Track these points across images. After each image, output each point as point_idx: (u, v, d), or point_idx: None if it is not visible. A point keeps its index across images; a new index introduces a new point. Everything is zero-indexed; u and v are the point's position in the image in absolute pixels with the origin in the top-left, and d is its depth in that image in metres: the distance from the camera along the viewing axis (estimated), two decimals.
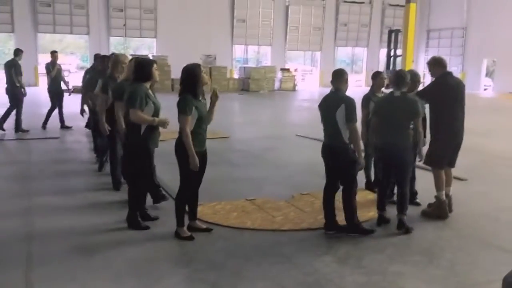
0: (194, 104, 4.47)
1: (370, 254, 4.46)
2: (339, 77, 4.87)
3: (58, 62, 11.29)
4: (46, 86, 11.43)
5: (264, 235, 4.91)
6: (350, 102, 4.69)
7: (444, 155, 5.47)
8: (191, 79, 4.52)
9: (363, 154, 4.99)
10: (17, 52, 10.95)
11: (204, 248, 4.53)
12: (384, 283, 3.90)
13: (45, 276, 3.91)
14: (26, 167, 7.75)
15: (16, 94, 10.68)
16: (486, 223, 5.37)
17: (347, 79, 4.93)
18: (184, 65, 4.63)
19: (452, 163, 5.65)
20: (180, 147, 4.53)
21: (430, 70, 5.66)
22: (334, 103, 4.77)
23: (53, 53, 11.34)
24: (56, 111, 11.45)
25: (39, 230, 4.90)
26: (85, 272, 3.98)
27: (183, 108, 4.44)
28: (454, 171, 7.14)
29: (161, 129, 4.98)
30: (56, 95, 11.32)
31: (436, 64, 5.59)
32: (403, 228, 4.99)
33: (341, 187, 4.97)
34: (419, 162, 5.60)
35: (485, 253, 4.54)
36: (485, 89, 30.95)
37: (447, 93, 5.43)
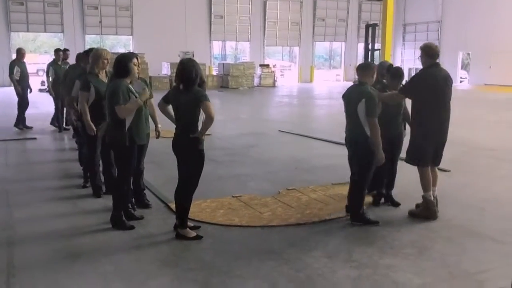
0: None
1: (360, 248, 4.43)
2: (364, 70, 4.97)
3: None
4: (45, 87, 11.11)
5: (253, 232, 4.84)
6: (370, 97, 4.77)
7: (424, 153, 5.14)
8: (200, 74, 4.48)
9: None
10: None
11: (192, 247, 4.43)
12: (376, 276, 3.87)
13: (27, 282, 3.76)
14: (3, 170, 7.51)
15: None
16: (472, 214, 5.39)
17: (373, 73, 4.99)
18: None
19: (436, 162, 5.30)
20: (190, 146, 4.46)
21: (421, 58, 5.22)
22: (356, 97, 4.85)
23: (65, 51, 10.87)
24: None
25: (20, 235, 4.72)
26: (69, 276, 3.84)
27: (206, 95, 4.40)
28: None
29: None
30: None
31: (425, 53, 5.15)
32: (394, 203, 5.58)
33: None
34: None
35: (474, 244, 4.55)
36: (461, 81, 31.47)
37: (430, 89, 5.05)
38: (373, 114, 4.76)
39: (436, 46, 5.30)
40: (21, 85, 10.85)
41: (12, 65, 10.91)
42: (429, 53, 5.16)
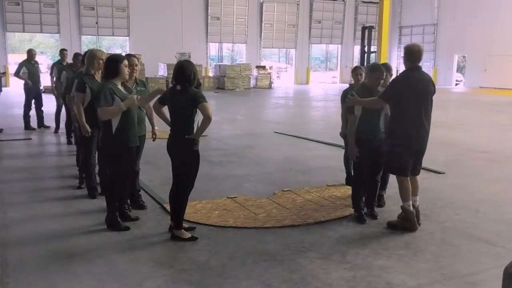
0: None
1: (354, 249, 4.44)
2: (367, 71, 5.27)
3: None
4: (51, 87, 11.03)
5: (247, 233, 4.85)
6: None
7: (405, 161, 4.85)
8: (196, 75, 4.51)
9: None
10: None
11: (187, 248, 4.43)
12: (370, 277, 3.88)
13: (22, 282, 3.75)
14: None
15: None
16: (466, 215, 5.42)
17: (373, 75, 5.08)
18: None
19: (415, 171, 5.01)
20: (185, 147, 4.45)
21: (403, 59, 4.98)
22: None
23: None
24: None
25: (14, 235, 4.71)
26: (64, 277, 3.84)
27: (204, 96, 4.43)
28: (431, 165, 7.27)
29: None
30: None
31: (406, 55, 4.86)
32: (383, 202, 5.66)
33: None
34: None
35: (468, 245, 4.57)
36: (456, 84, 31.59)
37: (411, 94, 4.74)
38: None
39: (418, 49, 4.89)
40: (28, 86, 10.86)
41: (19, 65, 10.98)
42: (411, 56, 4.85)
